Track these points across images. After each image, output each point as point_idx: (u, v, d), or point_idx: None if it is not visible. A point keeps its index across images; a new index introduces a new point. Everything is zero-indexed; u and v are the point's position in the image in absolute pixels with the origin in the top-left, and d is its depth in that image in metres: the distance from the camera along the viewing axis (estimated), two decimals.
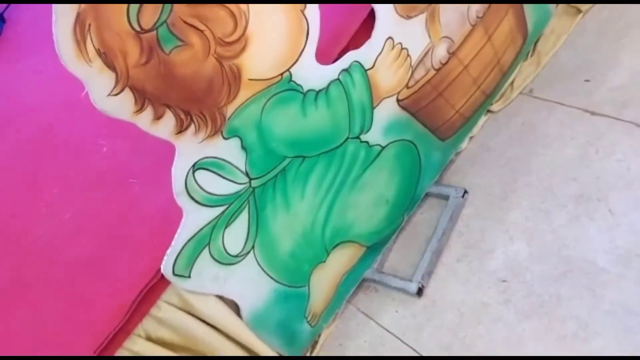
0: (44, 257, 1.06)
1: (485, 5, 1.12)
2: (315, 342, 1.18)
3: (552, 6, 1.27)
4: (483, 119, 1.26)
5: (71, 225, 1.08)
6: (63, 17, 0.65)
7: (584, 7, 1.29)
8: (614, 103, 1.12)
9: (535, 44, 1.30)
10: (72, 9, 0.65)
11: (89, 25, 0.66)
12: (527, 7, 1.21)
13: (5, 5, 1.84)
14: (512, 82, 1.27)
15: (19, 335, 0.96)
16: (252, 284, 1.01)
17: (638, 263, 0.92)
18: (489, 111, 1.27)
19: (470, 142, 1.27)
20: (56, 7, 0.64)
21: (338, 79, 0.95)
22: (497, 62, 1.21)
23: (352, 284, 1.19)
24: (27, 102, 1.42)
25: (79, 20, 0.65)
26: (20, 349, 0.95)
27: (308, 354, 1.17)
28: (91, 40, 0.67)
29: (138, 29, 0.70)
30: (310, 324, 1.14)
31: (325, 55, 0.93)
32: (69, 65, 0.67)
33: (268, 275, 1.02)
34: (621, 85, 1.14)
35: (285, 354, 1.11)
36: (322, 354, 1.18)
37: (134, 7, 0.69)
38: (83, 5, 0.65)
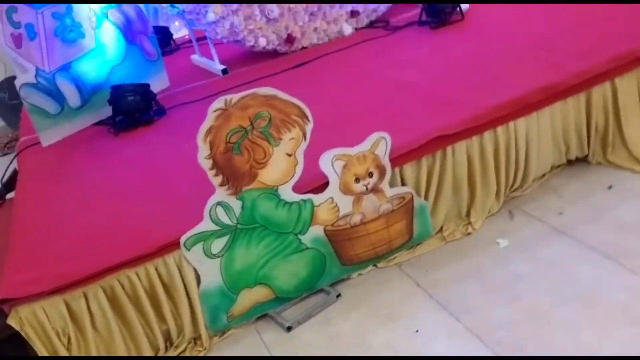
0: None
1: (391, 208, 2.14)
2: (224, 332, 2.05)
3: (432, 227, 2.28)
4: (370, 268, 2.22)
5: None
6: (206, 124, 1.73)
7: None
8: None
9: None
10: (213, 121, 1.73)
11: (213, 133, 1.73)
12: (415, 223, 2.21)
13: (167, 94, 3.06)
14: (394, 258, 2.24)
15: None
16: (213, 274, 1.95)
17: None
18: (374, 265, 2.22)
19: (359, 277, 2.21)
20: (210, 117, 1.72)
21: (299, 202, 1.97)
22: (388, 241, 2.19)
23: (259, 312, 2.09)
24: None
25: (211, 129, 1.73)
26: None
27: (217, 337, 2.04)
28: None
29: (229, 141, 1.77)
30: (227, 319, 2.03)
31: (298, 189, 1.96)
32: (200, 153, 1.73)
33: (221, 275, 1.96)
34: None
35: (207, 325, 1.99)
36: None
37: (231, 132, 1.76)
38: (217, 123, 1.72)
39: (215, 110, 1.72)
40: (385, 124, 2.13)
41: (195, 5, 3.23)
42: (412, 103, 2.46)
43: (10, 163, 3.04)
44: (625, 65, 2.40)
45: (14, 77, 4.50)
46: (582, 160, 2.54)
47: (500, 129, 2.26)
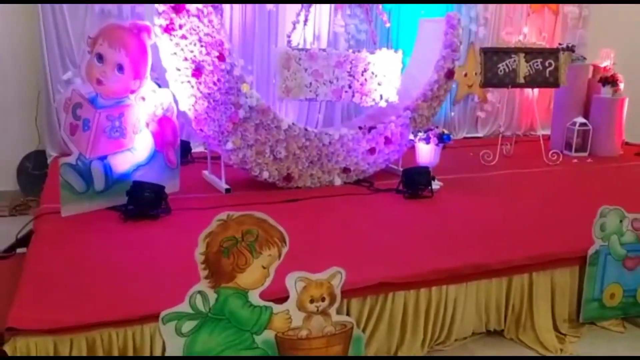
0: None
1: (333, 332, 2.59)
2: None
3: (364, 349, 2.71)
4: None
5: None
6: (209, 229, 2.27)
7: None
8: None
9: None
10: (214, 227, 2.27)
11: (212, 236, 2.27)
12: (351, 350, 2.66)
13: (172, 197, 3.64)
14: None
15: None
16: (176, 349, 2.36)
17: None
18: None
19: None
20: (213, 224, 2.27)
21: (262, 307, 2.44)
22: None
23: None
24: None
25: (211, 233, 2.27)
26: None
27: None
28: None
29: (222, 245, 2.30)
30: None
31: (264, 295, 2.45)
32: (198, 249, 2.27)
33: (183, 352, 2.38)
34: None
35: None
36: None
37: (225, 239, 2.30)
38: (217, 230, 2.27)
39: (218, 220, 2.27)
40: (345, 261, 2.65)
41: (219, 133, 3.92)
42: (372, 250, 3.03)
43: (28, 223, 3.53)
44: (541, 264, 3.00)
45: (42, 151, 5.14)
46: (499, 333, 3.04)
47: (434, 289, 2.80)
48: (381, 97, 4.45)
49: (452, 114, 6.59)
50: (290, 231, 2.44)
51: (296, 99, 4.42)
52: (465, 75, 6.44)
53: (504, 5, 6.49)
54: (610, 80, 5.50)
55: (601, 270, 3.08)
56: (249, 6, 5.42)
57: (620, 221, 3.06)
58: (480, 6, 6.35)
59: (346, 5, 5.73)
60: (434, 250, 3.05)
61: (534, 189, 4.51)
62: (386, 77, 4.43)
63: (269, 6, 5.43)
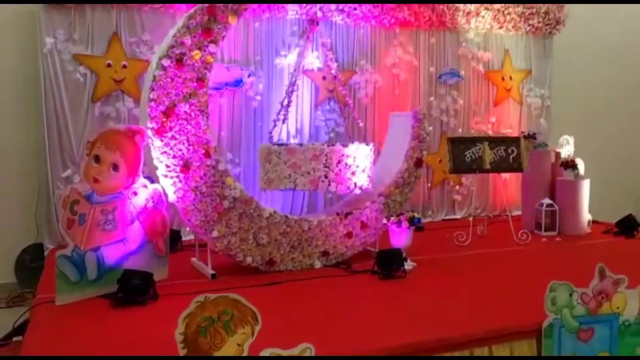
0: None
1: None
2: None
3: None
4: None
5: None
6: (188, 310, 2.55)
7: None
8: None
9: None
10: (193, 309, 2.55)
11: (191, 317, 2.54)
12: None
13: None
14: None
15: None
16: None
17: None
18: None
19: None
20: (191, 305, 2.55)
21: None
22: None
23: None
24: None
25: (190, 314, 2.54)
26: None
27: None
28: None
29: (199, 325, 2.57)
30: None
31: None
32: (177, 329, 2.54)
33: None
34: None
35: None
36: None
37: (203, 319, 2.56)
38: (195, 311, 2.54)
39: (196, 302, 2.55)
40: (317, 337, 2.88)
41: (205, 222, 4.26)
42: (343, 327, 3.27)
43: (24, 313, 3.78)
44: (500, 337, 3.25)
45: (40, 244, 5.43)
46: None
47: None
48: (355, 185, 4.84)
49: (430, 197, 6.98)
50: (269, 311, 2.72)
51: (277, 190, 4.80)
52: (440, 161, 6.89)
53: (472, 97, 7.07)
54: (570, 165, 5.94)
55: (557, 343, 3.31)
56: (237, 105, 5.94)
57: (570, 295, 3.33)
58: (450, 99, 6.92)
59: (325, 102, 6.27)
60: (401, 326, 3.30)
61: (502, 266, 4.80)
62: (359, 167, 4.84)
63: (254, 104, 5.96)
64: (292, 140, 6.08)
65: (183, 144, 4.09)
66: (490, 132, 6.97)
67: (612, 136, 7.74)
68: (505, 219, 6.30)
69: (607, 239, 5.80)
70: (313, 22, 4.83)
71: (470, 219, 5.90)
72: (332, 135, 6.29)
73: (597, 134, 7.51)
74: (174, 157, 4.09)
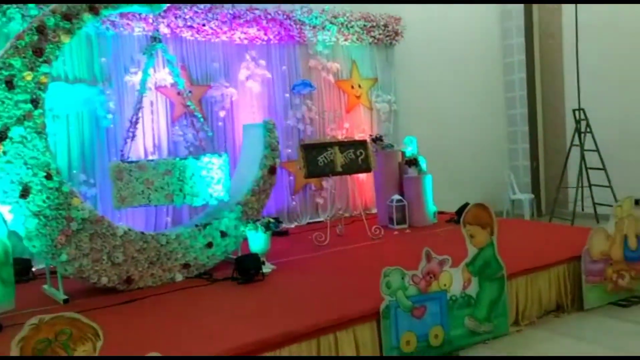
0: None
1: None
2: None
3: None
4: None
5: None
6: (21, 334, 2.52)
7: None
8: None
9: None
10: (27, 332, 2.52)
11: (25, 340, 2.52)
12: None
13: None
14: None
15: None
16: None
17: None
18: None
19: None
20: (24, 329, 2.51)
21: None
22: None
23: None
24: None
25: (24, 338, 2.52)
26: None
27: None
28: None
29: (35, 348, 2.55)
30: None
31: None
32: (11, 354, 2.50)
33: None
34: None
35: None
36: None
37: (38, 341, 2.55)
38: (29, 334, 2.52)
39: (30, 325, 2.53)
40: (168, 346, 2.99)
41: (52, 247, 4.14)
42: (195, 334, 3.38)
43: None
44: (344, 324, 3.54)
45: None
46: None
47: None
48: (211, 196, 4.95)
49: (294, 202, 7.27)
50: (123, 327, 2.76)
51: (131, 207, 4.78)
52: (300, 168, 7.20)
53: (325, 105, 7.48)
54: (413, 162, 6.53)
55: (394, 322, 3.68)
56: (87, 124, 5.79)
57: (402, 278, 3.72)
58: (305, 108, 7.28)
59: (182, 117, 6.32)
60: (251, 325, 3.48)
61: (354, 261, 5.18)
62: (214, 178, 4.97)
63: (106, 122, 5.85)
64: (150, 157, 6.06)
65: (20, 167, 3.95)
66: (344, 137, 7.42)
67: (453, 133, 8.57)
68: (365, 218, 6.73)
69: (449, 227, 6.44)
70: (155, 39, 4.88)
71: (328, 220, 6.26)
72: (191, 149, 6.35)
73: (440, 133, 8.29)
74: (11, 182, 3.94)
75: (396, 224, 6.52)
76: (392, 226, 6.53)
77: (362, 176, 7.49)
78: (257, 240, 4.97)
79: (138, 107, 5.00)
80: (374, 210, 7.36)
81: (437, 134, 8.21)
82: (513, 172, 8.96)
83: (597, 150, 7.48)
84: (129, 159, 5.03)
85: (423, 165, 6.65)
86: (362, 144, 6.23)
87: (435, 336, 3.81)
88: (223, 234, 5.05)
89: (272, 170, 5.37)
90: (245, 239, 5.17)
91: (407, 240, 5.97)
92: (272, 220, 5.04)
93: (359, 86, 7.71)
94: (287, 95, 7.18)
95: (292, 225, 7.17)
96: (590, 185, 7.56)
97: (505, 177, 8.78)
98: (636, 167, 7.78)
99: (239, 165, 5.71)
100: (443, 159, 7.99)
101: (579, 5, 7.74)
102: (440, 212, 6.96)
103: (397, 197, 6.57)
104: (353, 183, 7.59)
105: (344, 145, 6.14)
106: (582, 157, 7.54)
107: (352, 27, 7.42)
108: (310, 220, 7.41)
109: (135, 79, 5.92)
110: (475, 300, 3.98)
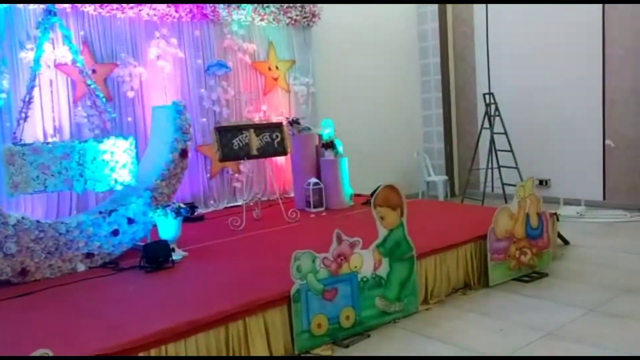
0: None
1: None
2: None
3: None
4: None
5: None
6: None
7: None
8: None
9: None
10: None
11: None
12: None
13: None
14: None
15: None
16: None
17: None
18: None
19: None
20: None
21: None
22: None
23: None
24: None
25: None
26: None
27: None
28: None
29: None
30: None
31: None
32: None
33: None
34: None
35: None
36: None
37: None
38: None
39: None
40: (61, 341, 2.78)
41: None
42: (93, 325, 3.18)
43: None
44: (252, 309, 3.46)
45: None
46: None
47: (153, 351, 3.05)
48: (116, 181, 4.69)
49: (210, 187, 7.08)
50: (14, 323, 2.51)
51: (25, 194, 4.43)
52: (215, 152, 7.00)
53: (242, 87, 7.30)
54: (329, 145, 6.51)
55: (305, 305, 3.64)
56: None
57: (313, 261, 3.69)
58: (220, 90, 7.06)
59: (86, 96, 5.93)
60: (156, 316, 3.32)
61: (268, 245, 5.09)
62: (118, 162, 4.70)
63: None
64: (50, 140, 5.65)
65: None
66: (262, 120, 7.29)
67: (370, 116, 8.64)
68: (284, 201, 6.66)
69: (365, 209, 6.48)
70: (50, 12, 4.51)
71: (243, 204, 6.14)
72: (97, 132, 5.98)
73: (357, 116, 8.33)
74: None
75: (313, 207, 6.50)
76: (309, 209, 6.50)
77: (281, 159, 7.40)
78: (167, 227, 4.78)
79: (32, 86, 4.63)
80: (292, 194, 7.30)
81: (355, 116, 8.25)
82: (428, 155, 9.19)
83: (505, 133, 7.80)
84: (22, 142, 4.65)
85: (339, 148, 6.65)
86: (278, 126, 6.13)
87: (347, 317, 3.82)
88: (130, 221, 4.81)
89: (183, 154, 5.17)
90: (155, 226, 4.95)
91: (323, 223, 5.96)
92: (182, 205, 4.85)
93: (277, 68, 7.57)
94: (201, 76, 6.92)
95: (209, 210, 6.97)
96: (499, 167, 7.88)
97: (421, 160, 8.99)
98: (540, 149, 8.20)
99: (149, 149, 5.45)
100: (360, 141, 8.04)
101: None
102: (357, 195, 7.01)
103: (314, 180, 6.54)
104: (271, 167, 7.49)
105: (260, 128, 6.02)
106: (492, 140, 7.84)
107: (267, 7, 7.25)
108: (228, 205, 7.24)
109: (31, 55, 5.47)
110: (386, 280, 4.02)
